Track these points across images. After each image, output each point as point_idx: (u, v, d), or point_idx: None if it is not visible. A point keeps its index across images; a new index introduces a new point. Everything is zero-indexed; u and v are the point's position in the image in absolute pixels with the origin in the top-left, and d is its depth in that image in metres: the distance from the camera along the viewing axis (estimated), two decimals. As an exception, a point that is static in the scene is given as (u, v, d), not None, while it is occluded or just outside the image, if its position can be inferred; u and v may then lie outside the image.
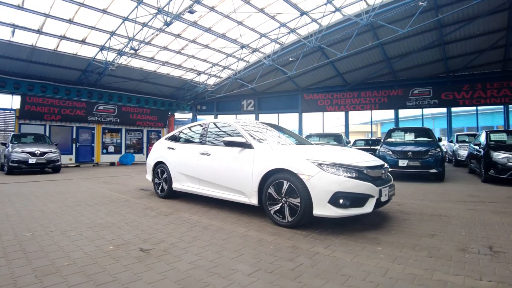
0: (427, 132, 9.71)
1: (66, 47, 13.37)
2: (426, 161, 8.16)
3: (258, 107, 21.69)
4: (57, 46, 13.05)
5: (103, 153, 17.33)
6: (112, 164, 17.18)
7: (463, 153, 12.52)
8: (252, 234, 3.48)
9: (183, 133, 5.91)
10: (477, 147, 9.00)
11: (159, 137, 20.32)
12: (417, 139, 9.49)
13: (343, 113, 19.89)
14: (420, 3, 10.22)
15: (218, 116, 22.43)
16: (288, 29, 13.95)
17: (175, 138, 5.94)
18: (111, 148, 17.78)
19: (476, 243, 3.21)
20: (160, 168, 5.94)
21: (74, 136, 16.26)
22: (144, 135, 19.64)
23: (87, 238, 3.33)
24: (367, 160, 4.01)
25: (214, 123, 5.39)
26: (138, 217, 4.32)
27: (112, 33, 12.36)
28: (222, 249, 3.00)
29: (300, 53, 14.71)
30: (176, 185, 5.51)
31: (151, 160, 6.25)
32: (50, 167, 11.11)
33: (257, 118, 21.12)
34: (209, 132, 5.25)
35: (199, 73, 18.38)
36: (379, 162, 4.13)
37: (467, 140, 13.64)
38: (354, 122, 20.43)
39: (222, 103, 22.22)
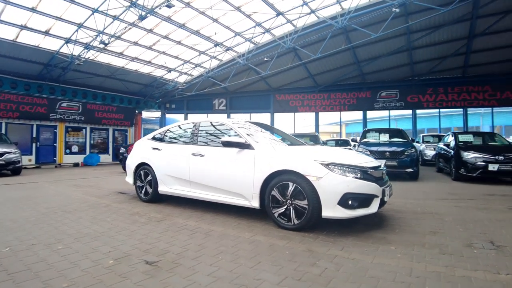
0: (400, 133, 10.15)
1: (27, 38, 12.16)
2: (403, 161, 8.50)
3: (230, 107, 21.45)
4: (17, 37, 11.82)
5: (66, 153, 16.08)
6: (76, 165, 16.03)
7: (430, 153, 13.27)
8: (261, 239, 3.33)
9: (169, 133, 5.57)
10: (446, 147, 9.53)
11: (125, 136, 19.40)
12: (392, 139, 9.86)
13: (310, 113, 20.26)
14: (394, 9, 10.63)
15: (188, 115, 21.86)
16: (263, 28, 13.89)
17: (160, 138, 5.59)
18: (74, 148, 16.56)
19: (478, 239, 3.33)
20: (143, 170, 5.55)
21: (34, 135, 14.90)
22: (110, 134, 18.56)
23: (79, 252, 2.95)
24: (369, 160, 4.04)
25: (206, 122, 5.13)
26: (128, 225, 3.98)
27: (80, 25, 11.45)
28: (236, 257, 2.81)
29: (274, 54, 14.73)
30: (163, 188, 5.18)
31: (132, 162, 5.83)
32: (9, 169, 10.07)
33: (228, 117, 20.83)
34: (201, 131, 4.99)
35: (170, 70, 17.70)
36: (378, 162, 4.17)
37: (431, 140, 14.48)
38: (320, 123, 20.95)
39: (193, 101, 21.64)
